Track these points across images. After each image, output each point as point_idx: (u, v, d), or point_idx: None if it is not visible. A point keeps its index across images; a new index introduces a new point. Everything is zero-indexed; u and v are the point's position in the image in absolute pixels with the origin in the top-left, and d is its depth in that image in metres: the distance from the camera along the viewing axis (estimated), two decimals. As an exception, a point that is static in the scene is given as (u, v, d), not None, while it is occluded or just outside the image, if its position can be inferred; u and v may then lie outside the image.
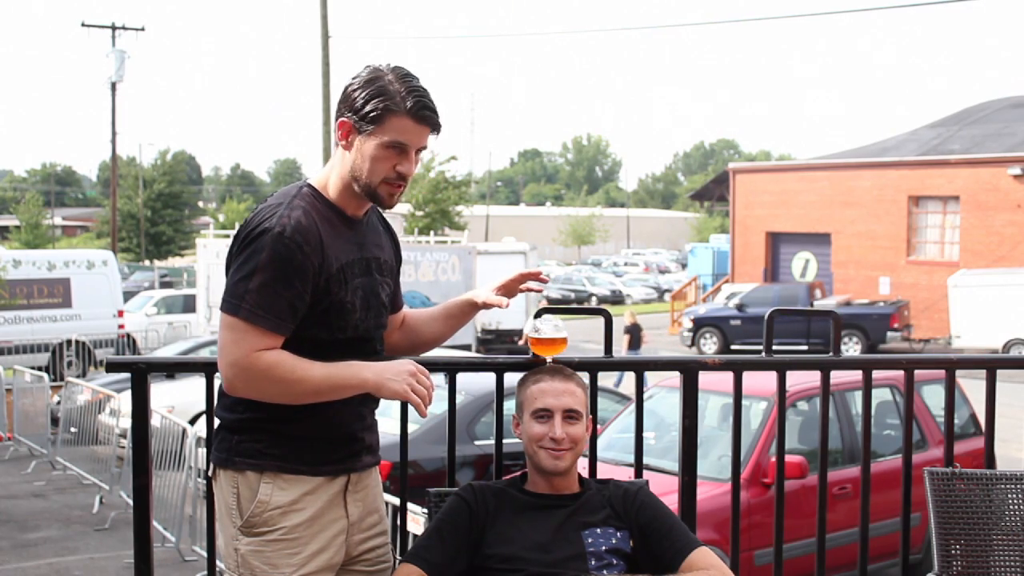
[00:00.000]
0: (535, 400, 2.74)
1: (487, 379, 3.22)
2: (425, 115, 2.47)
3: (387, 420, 3.54)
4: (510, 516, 2.70)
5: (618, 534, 2.68)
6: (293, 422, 2.50)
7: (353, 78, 2.50)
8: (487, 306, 2.82)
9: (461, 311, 2.89)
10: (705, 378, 3.20)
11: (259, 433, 2.51)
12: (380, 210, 2.77)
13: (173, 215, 57.14)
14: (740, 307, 25.37)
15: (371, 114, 2.44)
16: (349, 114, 2.48)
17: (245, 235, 2.44)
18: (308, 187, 2.55)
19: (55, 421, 12.20)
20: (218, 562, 3.16)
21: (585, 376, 2.96)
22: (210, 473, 2.64)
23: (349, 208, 2.56)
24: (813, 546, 3.35)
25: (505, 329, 23.27)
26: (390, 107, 2.44)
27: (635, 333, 17.86)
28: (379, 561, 2.69)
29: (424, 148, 2.53)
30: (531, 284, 2.84)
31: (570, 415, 2.71)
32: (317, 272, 2.43)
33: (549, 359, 2.88)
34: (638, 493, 2.76)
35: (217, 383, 2.67)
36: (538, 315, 2.85)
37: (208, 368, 2.96)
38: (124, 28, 31.90)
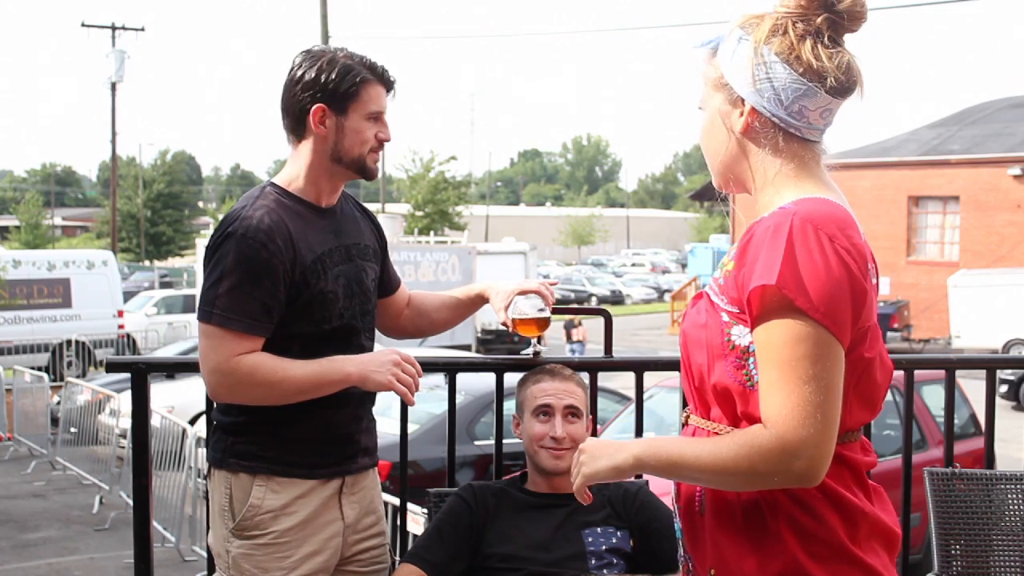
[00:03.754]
0: (535, 399, 2.74)
1: (487, 379, 3.22)
2: (390, 78, 2.56)
3: (387, 420, 3.54)
4: (510, 515, 2.70)
5: (618, 533, 2.68)
6: (288, 424, 2.49)
7: (299, 68, 2.50)
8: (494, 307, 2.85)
9: (472, 303, 2.91)
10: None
11: (254, 435, 2.50)
12: (356, 198, 2.79)
13: (173, 215, 57.17)
14: (740, 307, 25.33)
15: (349, 90, 2.47)
16: (319, 100, 2.48)
17: (212, 242, 2.45)
18: (271, 186, 2.56)
19: (55, 421, 12.19)
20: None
21: (585, 376, 2.96)
22: (206, 472, 2.64)
23: (321, 198, 2.57)
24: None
25: (506, 330, 23.23)
26: (363, 79, 2.49)
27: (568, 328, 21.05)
28: (374, 562, 2.68)
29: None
30: (546, 294, 2.85)
31: (571, 413, 2.72)
32: (289, 268, 2.43)
33: (534, 340, 2.87)
34: (638, 493, 2.76)
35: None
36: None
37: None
38: (124, 28, 31.93)
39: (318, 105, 2.48)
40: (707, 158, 1.92)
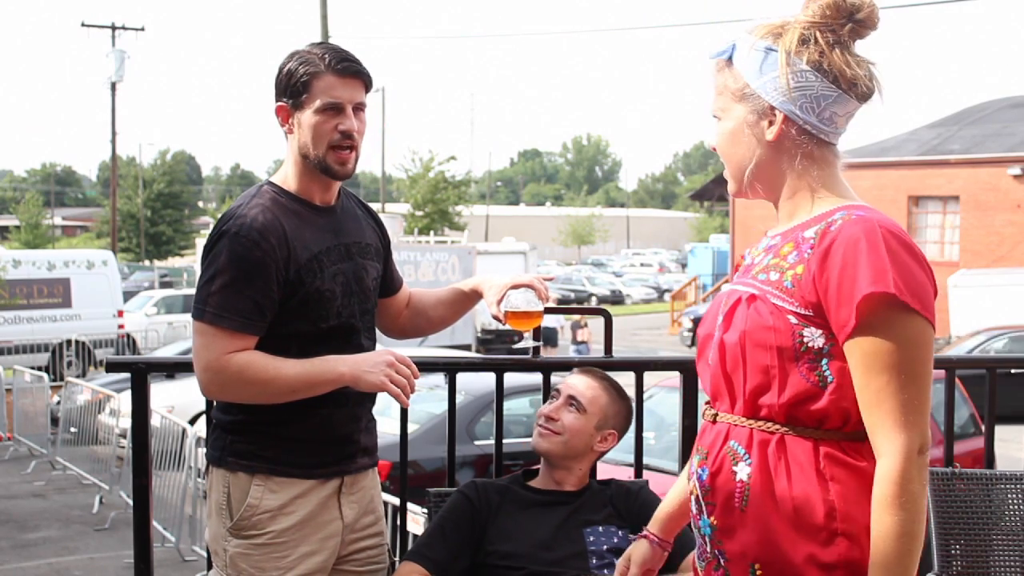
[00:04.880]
0: (558, 385, 2.82)
1: (487, 379, 3.23)
2: (346, 66, 2.46)
3: (387, 420, 3.54)
4: (512, 511, 2.70)
5: (619, 533, 2.68)
6: (287, 424, 2.49)
7: (277, 69, 2.52)
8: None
9: (467, 298, 2.88)
10: (705, 378, 3.20)
11: (252, 435, 2.50)
12: (358, 197, 2.78)
13: (173, 215, 57.13)
14: (740, 307, 25.36)
15: (297, 85, 2.45)
16: (281, 98, 2.49)
17: (208, 241, 2.46)
18: (268, 184, 2.55)
19: (55, 421, 12.18)
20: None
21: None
22: (204, 470, 2.64)
23: (315, 196, 2.55)
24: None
25: (505, 329, 23.25)
26: (311, 71, 2.44)
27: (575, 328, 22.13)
28: (370, 562, 2.67)
29: (363, 105, 2.52)
30: (539, 288, 2.83)
31: (571, 402, 2.74)
32: (283, 266, 2.42)
33: (527, 333, 2.87)
34: (640, 492, 2.77)
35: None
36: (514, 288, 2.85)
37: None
38: (124, 28, 31.91)
39: (279, 104, 2.50)
40: (729, 166, 1.95)
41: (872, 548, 1.73)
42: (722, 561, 1.88)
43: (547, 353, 23.11)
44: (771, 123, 1.86)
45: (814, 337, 1.79)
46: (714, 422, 1.93)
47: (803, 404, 1.80)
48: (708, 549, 1.92)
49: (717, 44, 1.92)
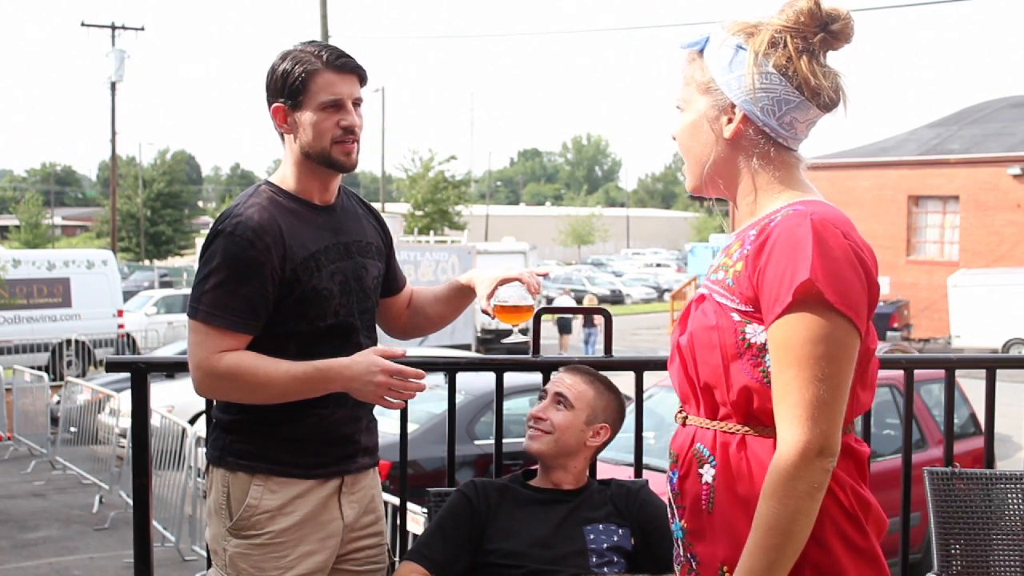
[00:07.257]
0: (547, 383, 2.83)
1: (487, 379, 3.23)
2: (343, 63, 2.48)
3: (387, 420, 3.53)
4: (512, 510, 2.70)
5: (620, 531, 2.68)
6: (287, 424, 2.49)
7: (268, 71, 2.52)
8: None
9: (463, 293, 2.86)
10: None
11: (252, 434, 2.50)
12: (359, 196, 2.78)
13: (173, 215, 57.09)
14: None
15: (295, 84, 2.45)
16: (277, 99, 2.49)
17: (205, 240, 2.47)
18: (266, 184, 2.56)
19: (55, 421, 12.18)
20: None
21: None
22: (204, 469, 2.64)
23: (314, 195, 2.56)
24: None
25: (505, 329, 23.27)
26: (309, 69, 2.45)
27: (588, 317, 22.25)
28: (369, 562, 2.67)
29: (360, 100, 2.53)
30: (530, 281, 2.80)
31: (558, 399, 2.75)
32: (278, 265, 2.42)
33: (516, 328, 2.87)
34: (640, 491, 2.77)
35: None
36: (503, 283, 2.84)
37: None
38: (124, 28, 31.89)
39: (276, 105, 2.50)
40: (687, 159, 1.96)
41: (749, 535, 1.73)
42: (694, 564, 1.88)
43: (562, 341, 23.17)
44: (730, 120, 1.86)
45: (756, 333, 1.79)
46: (684, 425, 1.94)
47: (755, 402, 1.79)
48: (681, 552, 1.93)
49: (691, 35, 1.92)
